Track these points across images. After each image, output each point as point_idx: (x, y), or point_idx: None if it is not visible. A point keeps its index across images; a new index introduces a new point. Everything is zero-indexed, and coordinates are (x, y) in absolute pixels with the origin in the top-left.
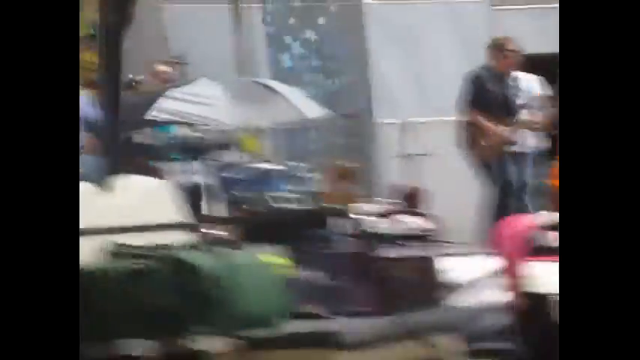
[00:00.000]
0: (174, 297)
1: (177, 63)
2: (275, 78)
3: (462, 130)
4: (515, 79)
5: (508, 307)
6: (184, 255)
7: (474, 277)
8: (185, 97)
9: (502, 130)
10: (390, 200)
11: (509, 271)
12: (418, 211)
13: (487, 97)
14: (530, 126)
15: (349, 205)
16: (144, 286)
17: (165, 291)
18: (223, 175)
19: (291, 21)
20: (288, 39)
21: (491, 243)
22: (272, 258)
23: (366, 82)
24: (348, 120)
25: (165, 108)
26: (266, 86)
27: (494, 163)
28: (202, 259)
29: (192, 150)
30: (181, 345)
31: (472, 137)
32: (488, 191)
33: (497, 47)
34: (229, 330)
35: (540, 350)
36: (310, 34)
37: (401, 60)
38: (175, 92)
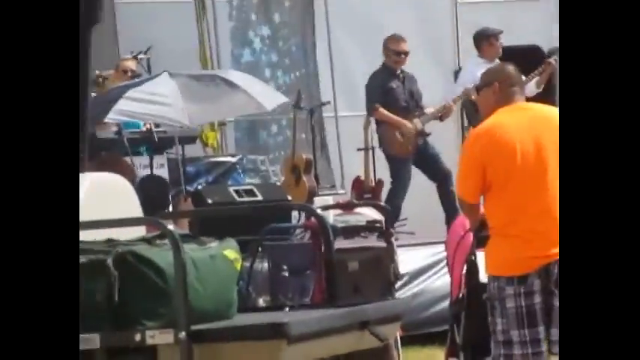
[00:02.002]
0: (125, 291)
1: (141, 57)
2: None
3: (379, 130)
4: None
5: (451, 295)
6: (137, 249)
7: (421, 266)
8: (144, 97)
9: (414, 122)
10: (353, 193)
11: (453, 261)
12: (379, 203)
13: (391, 94)
14: (435, 115)
15: (311, 198)
16: (95, 280)
17: (117, 285)
18: (187, 168)
19: (253, 17)
20: (250, 34)
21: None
22: (228, 251)
23: (325, 76)
24: (310, 113)
25: (124, 110)
26: (225, 80)
27: (411, 158)
28: (155, 254)
29: (157, 144)
30: (131, 338)
31: (387, 134)
32: (400, 185)
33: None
34: (179, 324)
35: (476, 336)
36: (266, 30)
37: (364, 53)
38: (135, 92)
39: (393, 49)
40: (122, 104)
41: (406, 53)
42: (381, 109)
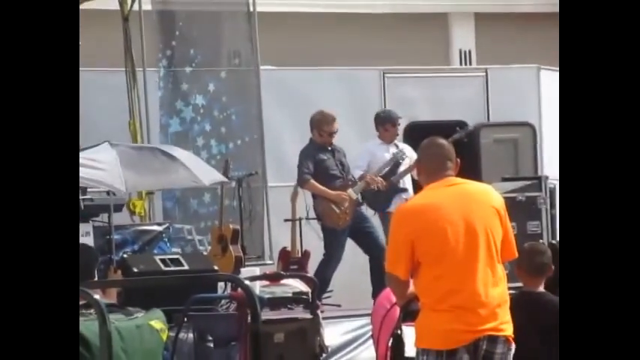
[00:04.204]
0: None
1: None
2: (166, 142)
3: (314, 203)
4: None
5: None
6: None
7: (347, 339)
8: (81, 161)
9: (349, 192)
10: (279, 263)
11: (379, 335)
12: (306, 275)
13: (323, 166)
14: (370, 184)
15: (237, 268)
16: None
17: None
18: (113, 236)
19: (185, 86)
20: (179, 103)
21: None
22: (154, 322)
23: (258, 146)
24: (241, 183)
25: None
26: (165, 152)
27: (346, 230)
28: (80, 324)
29: (82, 212)
30: None
31: (322, 207)
32: (332, 257)
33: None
34: None
35: None
36: (200, 100)
37: (293, 124)
38: None
39: (328, 131)
40: None
41: (337, 131)
42: (312, 181)
